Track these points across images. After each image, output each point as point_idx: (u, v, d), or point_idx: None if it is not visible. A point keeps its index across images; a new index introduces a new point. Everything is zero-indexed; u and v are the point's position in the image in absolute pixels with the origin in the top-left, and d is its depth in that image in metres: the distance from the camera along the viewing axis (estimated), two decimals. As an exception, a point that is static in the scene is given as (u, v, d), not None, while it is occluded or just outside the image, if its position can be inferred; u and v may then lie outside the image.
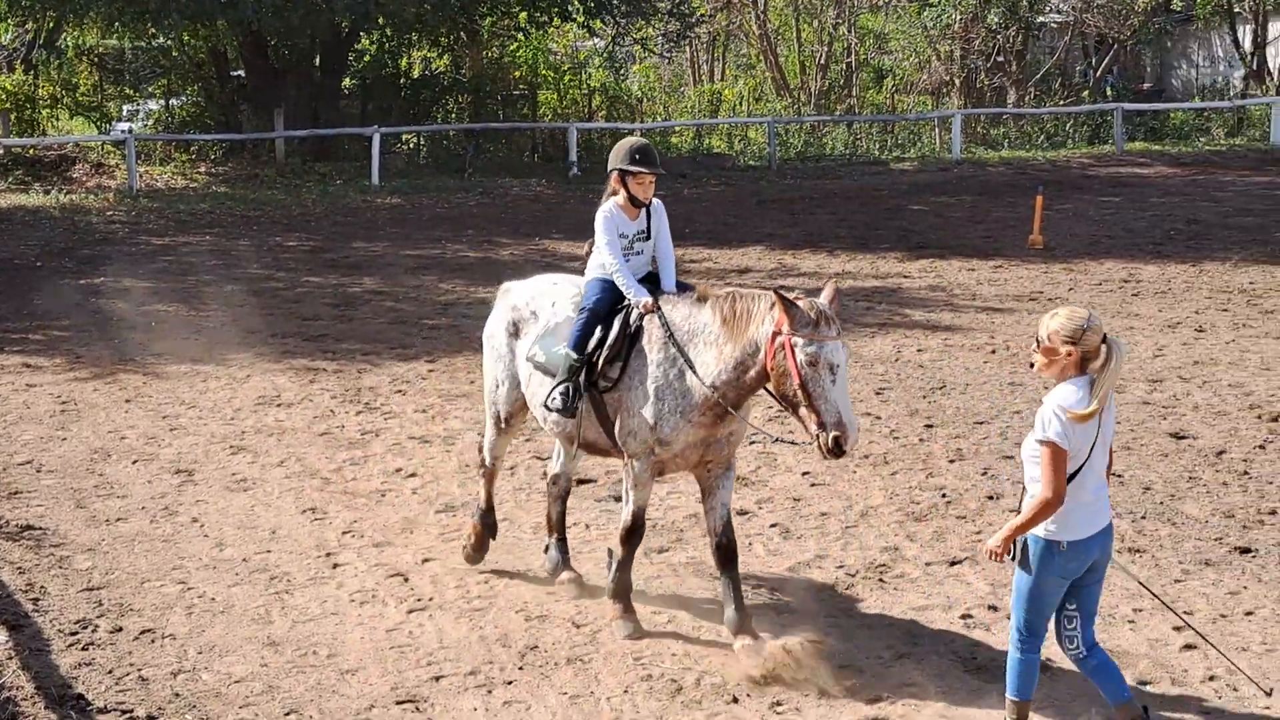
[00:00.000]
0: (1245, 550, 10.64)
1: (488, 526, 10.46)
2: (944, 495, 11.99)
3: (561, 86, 43.35)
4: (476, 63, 41.78)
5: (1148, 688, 8.41)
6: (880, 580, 10.27)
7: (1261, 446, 13.19)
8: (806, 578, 10.33)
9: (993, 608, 9.66)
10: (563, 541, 10.30)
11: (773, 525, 11.40)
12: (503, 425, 10.33)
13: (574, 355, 9.25)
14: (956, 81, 44.42)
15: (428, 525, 11.49)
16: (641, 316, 9.20)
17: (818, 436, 8.30)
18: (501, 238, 27.50)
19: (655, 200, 9.64)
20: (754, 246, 25.75)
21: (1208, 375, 15.82)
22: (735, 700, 8.40)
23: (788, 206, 31.17)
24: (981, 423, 14.21)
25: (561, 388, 9.27)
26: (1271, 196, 31.27)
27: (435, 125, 39.27)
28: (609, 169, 9.61)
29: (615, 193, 9.57)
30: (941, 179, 35.72)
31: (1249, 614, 9.43)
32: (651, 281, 9.56)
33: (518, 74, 42.72)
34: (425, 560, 10.69)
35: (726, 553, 9.11)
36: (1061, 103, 44.22)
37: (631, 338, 9.19)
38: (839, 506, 11.81)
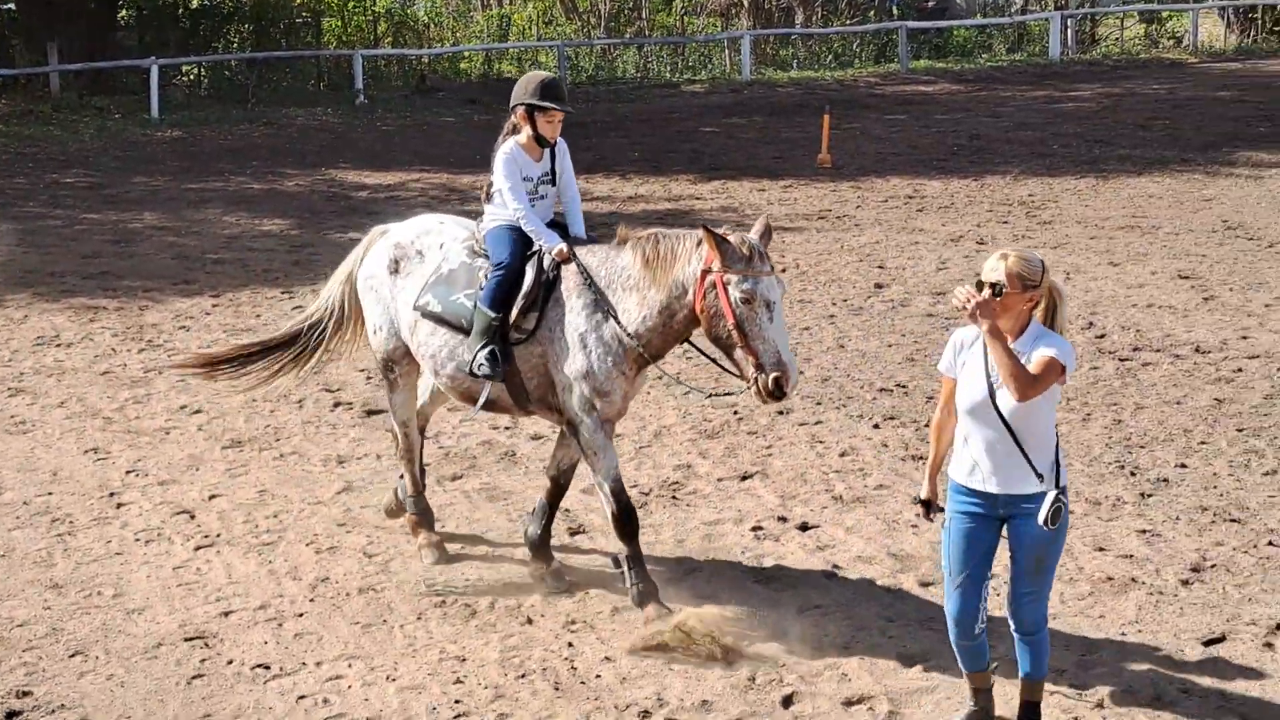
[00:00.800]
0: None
1: (422, 514, 9.44)
2: (735, 413, 12.12)
3: (346, 13, 42.61)
4: (258, -10, 40.84)
5: (932, 588, 8.61)
6: (674, 497, 10.36)
7: (1040, 353, 13.53)
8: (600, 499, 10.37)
9: (782, 519, 9.81)
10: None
11: (566, 447, 11.41)
12: (394, 376, 9.28)
13: (492, 315, 8.41)
14: (745, 3, 44.60)
15: (214, 462, 11.28)
16: (556, 265, 8.48)
17: (755, 379, 7.77)
18: (287, 169, 27.00)
19: (559, 139, 8.86)
20: (545, 171, 25.55)
21: (989, 286, 16.13)
22: (530, 621, 8.42)
23: (580, 130, 30.99)
24: (771, 339, 14.36)
25: (486, 351, 8.42)
26: (1050, 110, 32.02)
27: (216, 56, 38.36)
28: (512, 104, 8.74)
29: (517, 130, 8.73)
30: (732, 100, 35.93)
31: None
32: (558, 229, 8.79)
33: (300, 1, 41.88)
34: (212, 497, 10.51)
35: (560, 490, 9.02)
36: (848, 22, 44.69)
37: (548, 286, 8.46)
38: (633, 427, 11.86)
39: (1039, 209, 20.93)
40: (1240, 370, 12.91)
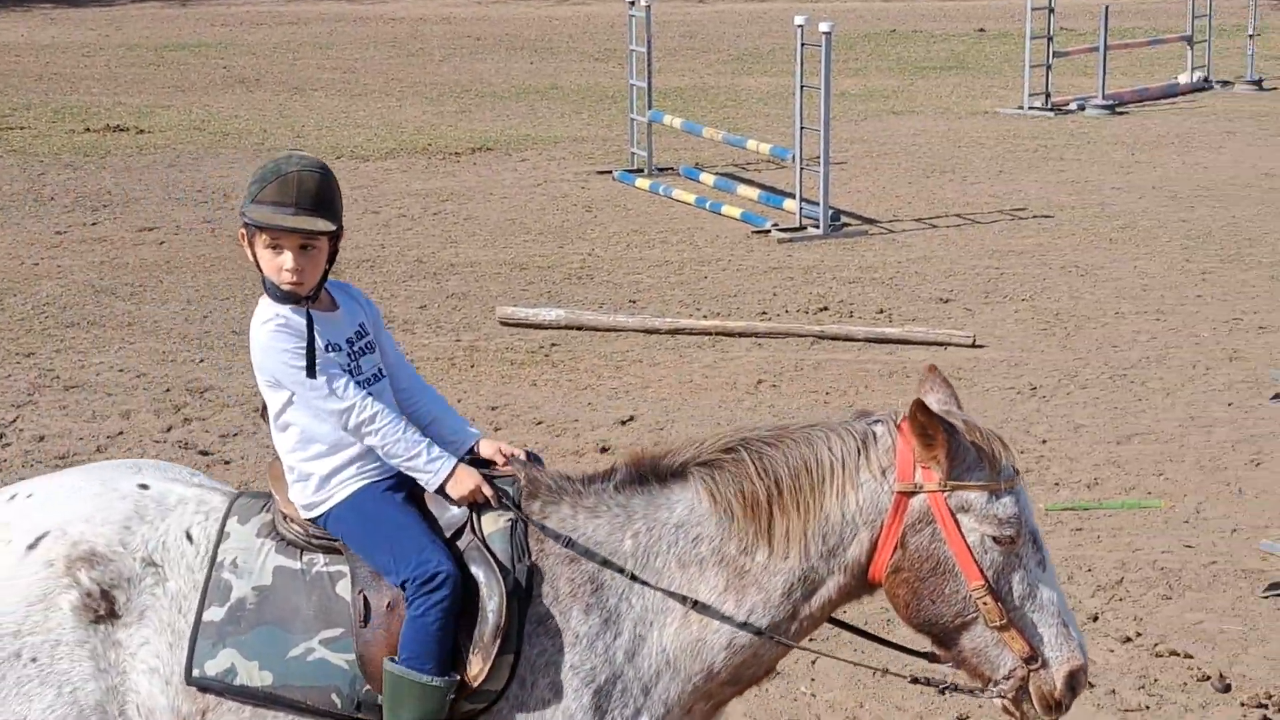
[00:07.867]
0: None
1: None
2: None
3: None
4: None
5: None
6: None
7: None
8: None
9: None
10: None
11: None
12: None
13: (441, 683, 3.93)
14: None
15: None
16: (520, 545, 4.06)
17: (1022, 678, 3.92)
18: None
19: (348, 285, 4.41)
20: None
21: None
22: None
23: None
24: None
25: None
26: None
27: None
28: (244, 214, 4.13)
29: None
30: None
31: None
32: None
33: None
34: None
35: None
36: None
37: (522, 597, 4.03)
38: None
39: None
40: None
